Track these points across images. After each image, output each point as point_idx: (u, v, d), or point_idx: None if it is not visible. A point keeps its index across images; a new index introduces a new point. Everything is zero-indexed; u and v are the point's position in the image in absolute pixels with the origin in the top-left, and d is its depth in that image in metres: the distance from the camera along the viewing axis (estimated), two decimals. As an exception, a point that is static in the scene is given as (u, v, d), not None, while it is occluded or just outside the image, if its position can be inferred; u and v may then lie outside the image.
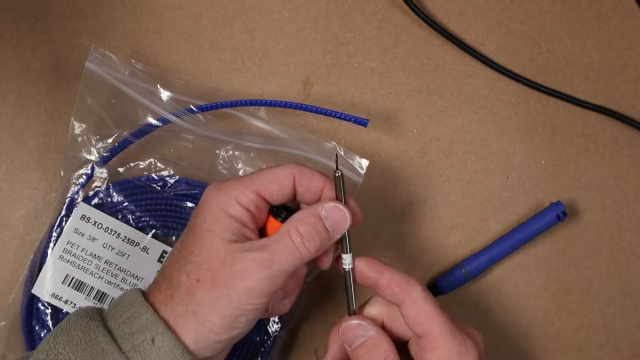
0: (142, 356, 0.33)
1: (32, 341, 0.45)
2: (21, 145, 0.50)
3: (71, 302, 0.46)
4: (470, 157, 0.52)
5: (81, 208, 0.46)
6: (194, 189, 0.47)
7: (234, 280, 0.34)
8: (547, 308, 0.51)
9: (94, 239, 0.46)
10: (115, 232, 0.47)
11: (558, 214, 0.49)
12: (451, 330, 0.35)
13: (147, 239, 0.47)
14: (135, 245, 0.47)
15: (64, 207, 0.46)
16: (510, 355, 0.50)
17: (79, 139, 0.47)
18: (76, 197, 0.47)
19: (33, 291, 0.46)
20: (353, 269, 0.38)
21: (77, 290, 0.46)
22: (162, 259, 0.47)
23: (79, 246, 0.46)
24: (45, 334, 0.45)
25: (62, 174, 0.47)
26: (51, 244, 0.46)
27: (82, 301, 0.46)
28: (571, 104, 0.53)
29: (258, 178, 0.37)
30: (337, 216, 0.37)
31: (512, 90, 0.53)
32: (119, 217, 0.47)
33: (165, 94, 0.47)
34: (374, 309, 0.39)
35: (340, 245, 0.39)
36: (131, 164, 0.48)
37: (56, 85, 0.51)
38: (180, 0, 0.53)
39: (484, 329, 0.50)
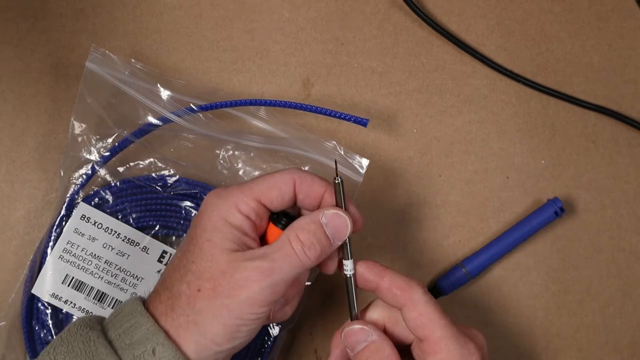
0: None
1: (32, 341, 0.45)
2: (21, 145, 0.50)
3: (71, 302, 0.46)
4: (471, 157, 0.52)
5: (81, 208, 0.46)
6: (194, 189, 0.47)
7: (235, 289, 0.34)
8: (547, 308, 0.50)
9: (94, 239, 0.46)
10: (115, 232, 0.47)
11: (556, 210, 0.49)
12: (453, 333, 0.35)
13: (147, 239, 0.47)
14: (135, 245, 0.47)
15: (64, 207, 0.46)
16: (510, 355, 0.50)
17: (79, 139, 0.47)
18: (76, 197, 0.47)
19: (33, 291, 0.46)
20: (354, 274, 0.38)
21: (77, 290, 0.46)
22: (162, 259, 0.47)
23: (79, 246, 0.46)
24: (45, 334, 0.45)
25: (62, 173, 0.47)
26: (51, 244, 0.46)
27: (82, 301, 0.46)
28: (571, 104, 0.53)
29: (258, 185, 0.37)
30: (337, 223, 0.37)
31: (512, 90, 0.53)
32: (119, 217, 0.47)
33: (165, 94, 0.47)
34: (375, 313, 0.39)
35: (342, 250, 0.39)
36: (131, 164, 0.48)
37: (56, 85, 0.51)
38: (180, 0, 0.53)
39: (484, 328, 0.50)
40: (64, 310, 0.46)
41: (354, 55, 0.53)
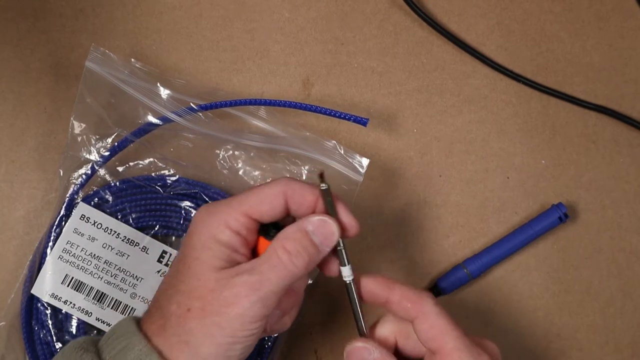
0: None
1: (31, 341, 0.45)
2: (21, 145, 0.50)
3: (70, 302, 0.46)
4: (471, 157, 0.52)
5: (81, 208, 0.46)
6: (194, 189, 0.47)
7: (224, 307, 0.33)
8: (548, 308, 0.50)
9: (93, 239, 0.46)
10: (115, 232, 0.46)
11: (560, 216, 0.49)
12: (466, 345, 0.35)
13: (146, 239, 0.47)
14: (135, 245, 0.47)
15: (64, 207, 0.46)
16: (510, 355, 0.50)
17: (79, 139, 0.47)
18: (76, 197, 0.47)
19: (32, 291, 0.45)
20: (355, 281, 0.38)
21: (77, 291, 0.46)
22: (161, 259, 0.47)
23: (78, 246, 0.46)
24: (44, 334, 0.45)
25: (61, 173, 0.47)
26: (50, 244, 0.46)
27: (82, 301, 0.46)
28: (571, 104, 0.53)
29: (248, 199, 0.36)
30: (324, 230, 0.36)
31: (512, 90, 0.53)
32: (119, 217, 0.47)
33: (165, 93, 0.47)
34: (385, 328, 0.38)
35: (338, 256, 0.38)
36: (131, 164, 0.48)
37: (56, 85, 0.51)
38: (180, 0, 0.53)
39: (484, 329, 0.50)
40: (63, 311, 0.46)
41: (354, 55, 0.53)
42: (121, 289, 0.46)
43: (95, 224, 0.46)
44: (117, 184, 0.47)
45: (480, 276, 0.50)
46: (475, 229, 0.51)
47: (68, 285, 0.46)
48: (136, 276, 0.47)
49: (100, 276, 0.46)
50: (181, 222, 0.47)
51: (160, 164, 0.48)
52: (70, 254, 0.46)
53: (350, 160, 0.47)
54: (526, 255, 0.51)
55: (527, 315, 0.50)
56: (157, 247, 0.47)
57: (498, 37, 0.54)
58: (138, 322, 0.36)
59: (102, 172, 0.47)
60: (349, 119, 0.47)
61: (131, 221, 0.47)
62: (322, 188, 0.36)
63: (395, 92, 0.53)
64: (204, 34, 0.52)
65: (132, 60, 0.48)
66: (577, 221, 0.52)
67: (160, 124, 0.47)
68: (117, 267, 0.46)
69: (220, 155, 0.48)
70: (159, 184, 0.47)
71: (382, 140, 0.52)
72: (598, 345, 0.50)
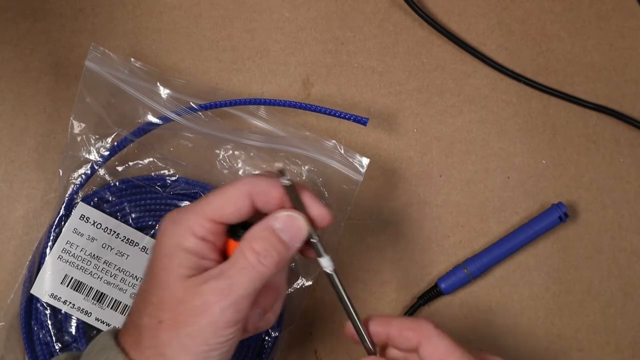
0: None
1: (30, 342, 0.45)
2: (20, 145, 0.50)
3: (70, 303, 0.46)
4: (471, 157, 0.52)
5: (80, 208, 0.46)
6: (193, 189, 0.47)
7: (195, 317, 0.33)
8: (548, 308, 0.50)
9: (93, 239, 0.46)
10: (115, 232, 0.46)
11: (560, 215, 0.49)
12: None
13: (146, 239, 0.47)
14: (135, 245, 0.47)
15: (63, 207, 0.46)
16: (511, 356, 0.50)
17: (78, 139, 0.47)
18: (75, 197, 0.47)
19: (32, 291, 0.45)
20: (337, 272, 0.37)
21: (76, 291, 0.46)
22: (161, 259, 0.47)
23: (78, 246, 0.46)
24: (44, 335, 0.45)
25: (61, 173, 0.47)
26: (50, 244, 0.46)
27: (81, 301, 0.46)
28: (572, 104, 0.53)
29: (212, 203, 0.35)
30: (292, 226, 0.35)
31: (512, 90, 0.53)
32: (118, 217, 0.47)
33: (165, 92, 0.47)
34: None
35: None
36: (130, 164, 0.48)
37: (56, 85, 0.51)
38: (180, 0, 0.53)
39: (484, 329, 0.50)
40: (63, 311, 0.46)
41: (354, 54, 0.53)
42: (121, 289, 0.46)
43: (95, 224, 0.46)
44: (117, 183, 0.47)
45: (480, 276, 0.50)
46: (476, 229, 0.51)
47: (67, 286, 0.46)
48: (136, 276, 0.47)
49: (100, 276, 0.46)
50: (181, 222, 0.47)
51: (160, 164, 0.48)
52: (70, 254, 0.46)
53: (351, 159, 0.47)
54: (526, 255, 0.51)
55: (527, 315, 0.50)
56: (157, 247, 0.47)
57: (498, 37, 0.54)
58: (117, 335, 0.35)
59: (101, 172, 0.47)
60: (349, 119, 0.47)
61: (131, 221, 0.47)
62: (284, 184, 0.35)
63: (395, 92, 0.52)
64: (203, 33, 0.52)
65: (132, 59, 0.47)
66: (578, 221, 0.51)
67: (160, 123, 0.47)
68: (117, 267, 0.46)
69: (220, 155, 0.48)
70: (158, 184, 0.47)
71: (382, 140, 0.52)
72: (598, 345, 0.50)
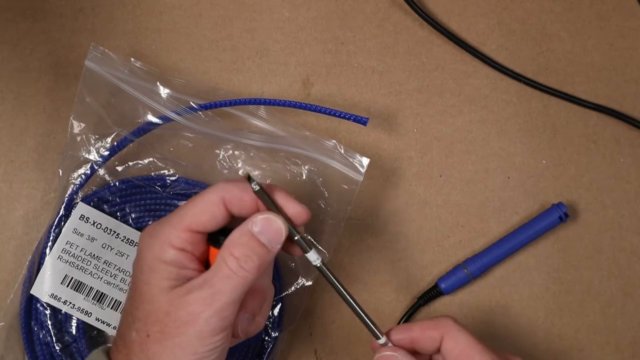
0: None
1: (30, 342, 0.45)
2: (20, 145, 0.50)
3: (70, 303, 0.45)
4: (471, 157, 0.52)
5: (80, 208, 0.46)
6: (193, 189, 0.47)
7: (182, 327, 0.33)
8: (548, 308, 0.50)
9: (93, 239, 0.46)
10: (115, 232, 0.46)
11: (560, 215, 0.49)
12: (492, 358, 0.35)
13: (146, 239, 0.47)
14: (135, 245, 0.47)
15: (63, 207, 0.46)
16: (511, 356, 0.50)
17: (78, 138, 0.47)
18: (75, 197, 0.46)
19: (32, 292, 0.45)
20: (326, 265, 0.37)
21: (76, 291, 0.46)
22: (161, 259, 0.47)
23: (77, 246, 0.46)
24: (44, 335, 0.45)
25: (61, 173, 0.47)
26: (50, 244, 0.46)
27: (81, 301, 0.46)
28: (572, 104, 0.53)
29: (187, 213, 0.35)
30: (269, 228, 0.35)
31: (512, 90, 0.53)
32: (118, 217, 0.47)
33: (165, 92, 0.47)
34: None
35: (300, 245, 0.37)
36: (130, 163, 0.48)
37: (55, 85, 0.51)
38: (180, 0, 0.53)
39: (484, 329, 0.50)
40: (63, 311, 0.46)
41: (354, 54, 0.53)
42: (121, 289, 0.46)
43: (95, 224, 0.46)
44: (117, 184, 0.47)
45: (480, 276, 0.50)
46: (476, 229, 0.51)
47: (67, 286, 0.46)
48: (136, 276, 0.46)
49: (100, 276, 0.46)
50: (181, 222, 0.47)
51: (159, 164, 0.48)
52: (70, 254, 0.46)
53: (351, 159, 0.47)
54: (526, 255, 0.51)
55: (527, 315, 0.50)
56: (157, 247, 0.47)
57: (499, 37, 0.54)
58: (108, 352, 0.36)
59: (101, 172, 0.47)
60: (349, 119, 0.47)
61: (131, 221, 0.47)
62: (254, 190, 0.35)
63: (395, 92, 0.52)
64: (203, 33, 0.52)
65: (132, 59, 0.47)
66: (578, 221, 0.51)
67: (160, 123, 0.47)
68: (116, 267, 0.46)
69: (220, 155, 0.48)
70: (158, 184, 0.47)
71: (382, 140, 0.52)
72: (599, 345, 0.50)
